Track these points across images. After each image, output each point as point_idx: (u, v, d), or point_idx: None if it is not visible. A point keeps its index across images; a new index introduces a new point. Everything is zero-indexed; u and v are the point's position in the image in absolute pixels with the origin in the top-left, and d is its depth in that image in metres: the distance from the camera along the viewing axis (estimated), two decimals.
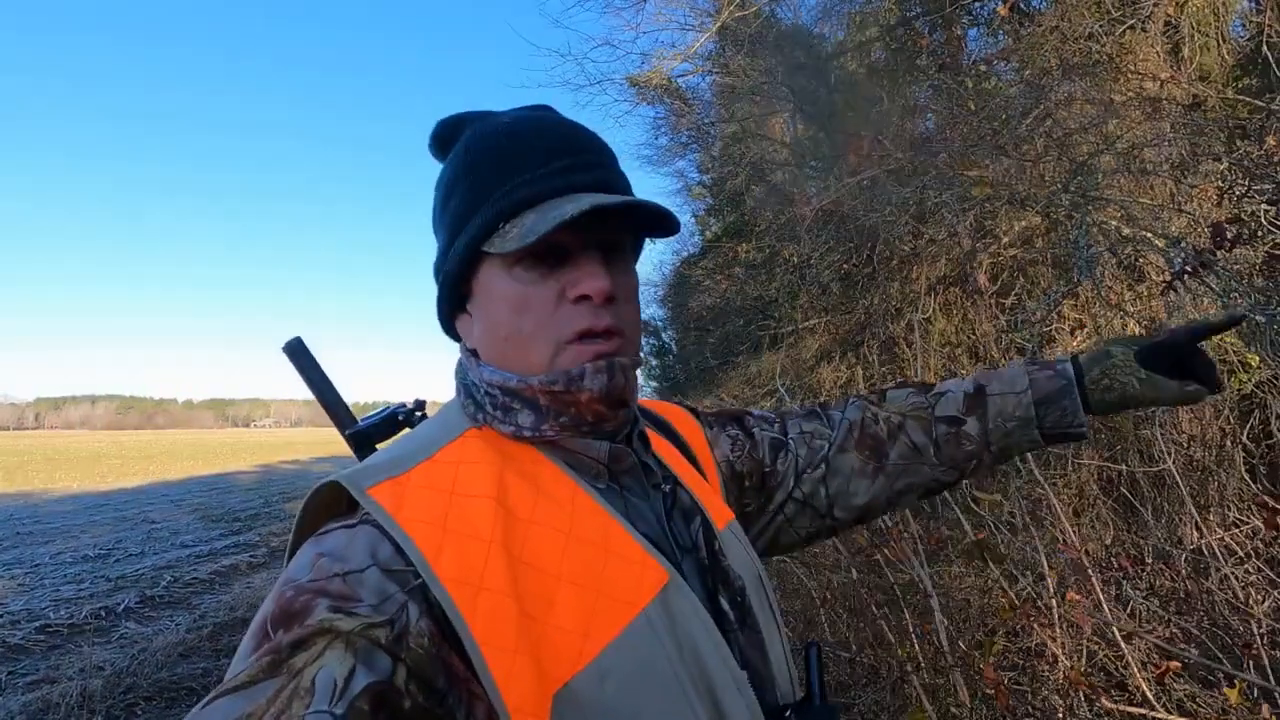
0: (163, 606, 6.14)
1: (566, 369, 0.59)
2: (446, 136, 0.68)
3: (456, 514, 0.53)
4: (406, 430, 0.75)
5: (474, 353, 0.66)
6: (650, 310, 12.68)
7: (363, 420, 0.76)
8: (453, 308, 0.67)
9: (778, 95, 6.95)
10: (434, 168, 0.71)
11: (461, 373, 0.67)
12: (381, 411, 0.77)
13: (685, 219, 13.46)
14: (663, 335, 12.72)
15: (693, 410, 0.88)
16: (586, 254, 0.60)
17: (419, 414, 0.79)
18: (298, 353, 0.76)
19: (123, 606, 6.01)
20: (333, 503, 0.56)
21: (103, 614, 5.80)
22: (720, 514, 0.73)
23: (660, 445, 0.74)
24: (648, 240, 0.75)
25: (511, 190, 0.59)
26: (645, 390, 13.31)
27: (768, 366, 5.57)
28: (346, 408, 0.77)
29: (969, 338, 4.71)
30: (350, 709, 0.42)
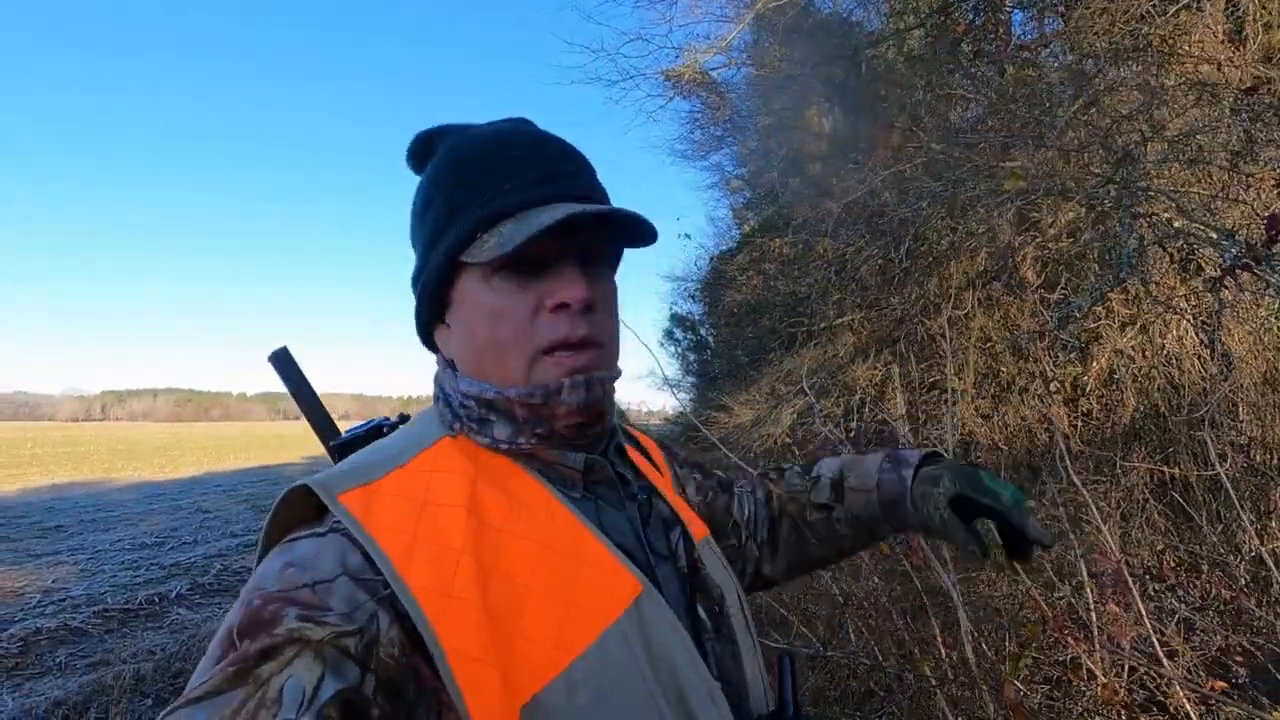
0: (212, 594, 6.38)
1: (544, 383, 0.59)
2: (422, 149, 0.68)
3: (427, 523, 0.52)
4: None
5: (451, 364, 0.66)
6: (687, 305, 12.65)
7: (346, 432, 0.76)
8: (431, 318, 0.66)
9: (813, 86, 6.82)
10: None
11: (439, 383, 0.67)
12: (366, 424, 0.77)
13: (723, 213, 13.35)
14: (700, 330, 12.67)
15: (666, 446, 0.90)
16: (564, 263, 0.60)
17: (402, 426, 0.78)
18: (283, 362, 0.76)
19: (174, 593, 6.27)
20: (304, 506, 0.55)
21: (156, 600, 6.06)
22: (698, 527, 0.74)
23: (637, 458, 0.75)
24: (636, 249, 0.75)
25: (489, 201, 0.59)
26: (684, 384, 13.31)
27: (800, 364, 5.48)
28: (330, 419, 0.77)
29: (1010, 334, 4.55)
30: (318, 717, 0.41)
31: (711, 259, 11.13)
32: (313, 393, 0.77)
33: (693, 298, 12.14)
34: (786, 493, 0.92)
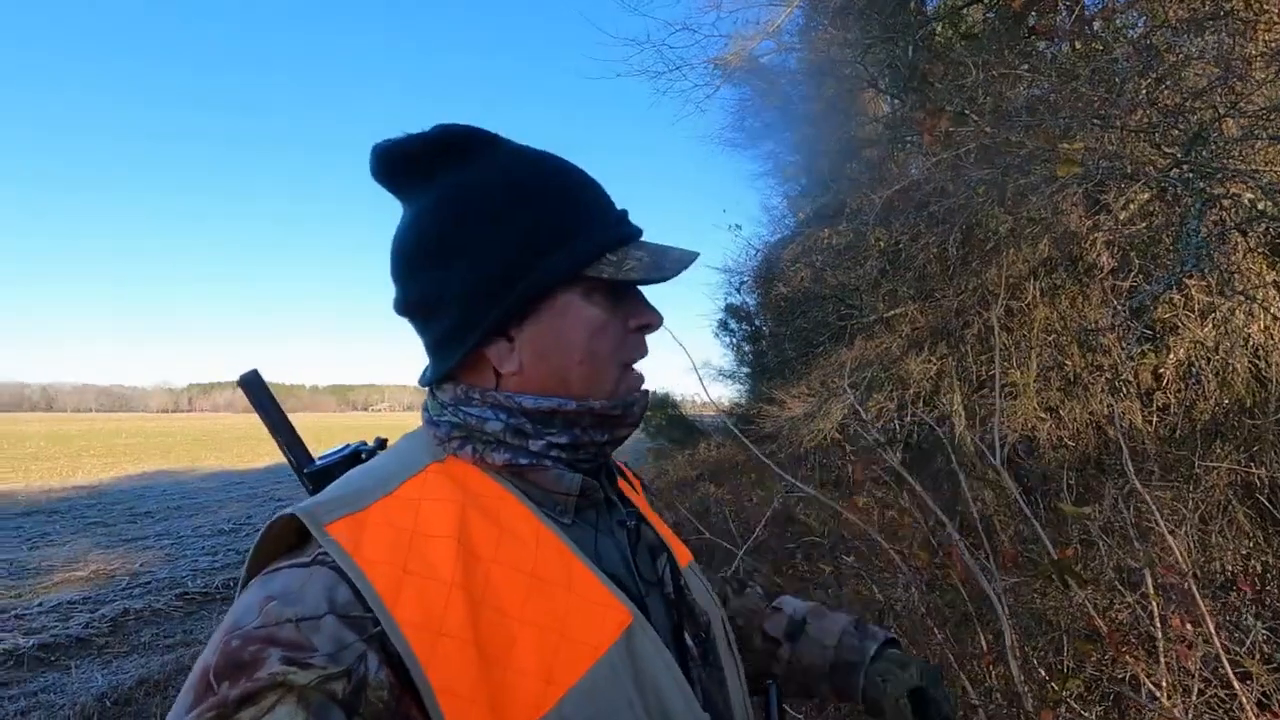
0: None
1: (624, 395, 0.65)
2: (450, 149, 0.63)
3: (417, 555, 0.51)
4: None
5: (498, 379, 0.63)
6: (740, 297, 12.47)
7: (320, 458, 0.73)
8: (489, 331, 0.61)
9: (866, 69, 6.58)
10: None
11: (450, 404, 0.63)
12: (342, 449, 0.74)
13: (776, 201, 13.09)
14: (755, 321, 12.48)
15: (641, 480, 0.89)
16: (638, 290, 0.67)
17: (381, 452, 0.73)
18: (253, 385, 0.74)
19: None
20: (287, 534, 0.53)
21: (231, 584, 6.41)
22: (682, 553, 0.74)
23: (623, 485, 0.74)
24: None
25: (614, 225, 0.64)
26: (740, 374, 13.19)
27: (849, 358, 5.32)
28: (302, 444, 0.74)
29: (1078, 325, 4.29)
30: None
31: (765, 249, 10.93)
32: (284, 417, 0.74)
33: (738, 289, 11.95)
34: (741, 606, 0.92)
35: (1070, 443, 4.49)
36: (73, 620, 5.34)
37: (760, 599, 0.93)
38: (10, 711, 3.87)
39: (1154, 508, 1.88)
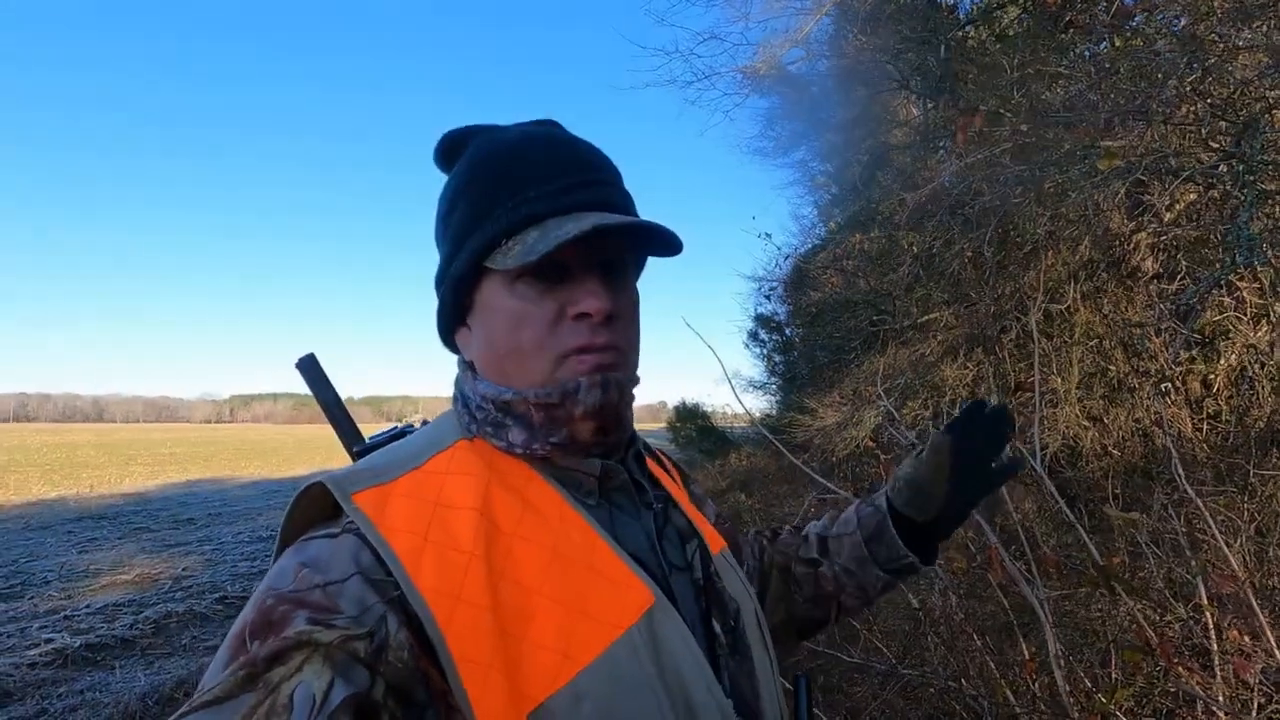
0: None
1: (562, 381, 0.59)
2: (451, 149, 0.67)
3: (439, 525, 0.52)
4: None
5: (471, 366, 0.66)
6: (770, 306, 12.39)
7: (370, 438, 0.76)
8: (453, 321, 0.66)
9: (897, 71, 6.52)
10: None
11: (459, 385, 0.67)
12: (390, 430, 0.77)
13: (807, 210, 13.01)
14: (785, 331, 12.37)
15: (683, 470, 0.88)
16: (587, 272, 0.60)
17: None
18: (309, 368, 0.78)
19: None
20: (320, 503, 0.55)
21: None
22: (714, 540, 0.72)
23: (655, 469, 0.73)
24: (660, 258, 0.75)
25: (515, 207, 0.59)
26: (770, 385, 13.06)
27: (883, 364, 5.24)
28: (354, 425, 0.78)
29: (1122, 329, 4.15)
30: None
31: (795, 257, 10.85)
32: (338, 399, 0.78)
33: (767, 297, 11.86)
34: (776, 549, 0.91)
35: (1115, 451, 4.34)
36: (118, 622, 5.49)
37: (791, 534, 0.93)
38: (59, 708, 3.99)
39: (1207, 516, 1.80)
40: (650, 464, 0.73)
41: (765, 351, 13.02)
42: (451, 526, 0.52)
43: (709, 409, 16.00)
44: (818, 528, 0.90)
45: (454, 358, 0.71)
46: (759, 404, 13.57)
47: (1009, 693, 1.44)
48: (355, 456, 0.76)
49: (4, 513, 11.03)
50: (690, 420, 15.57)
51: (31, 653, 4.74)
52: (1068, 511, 1.66)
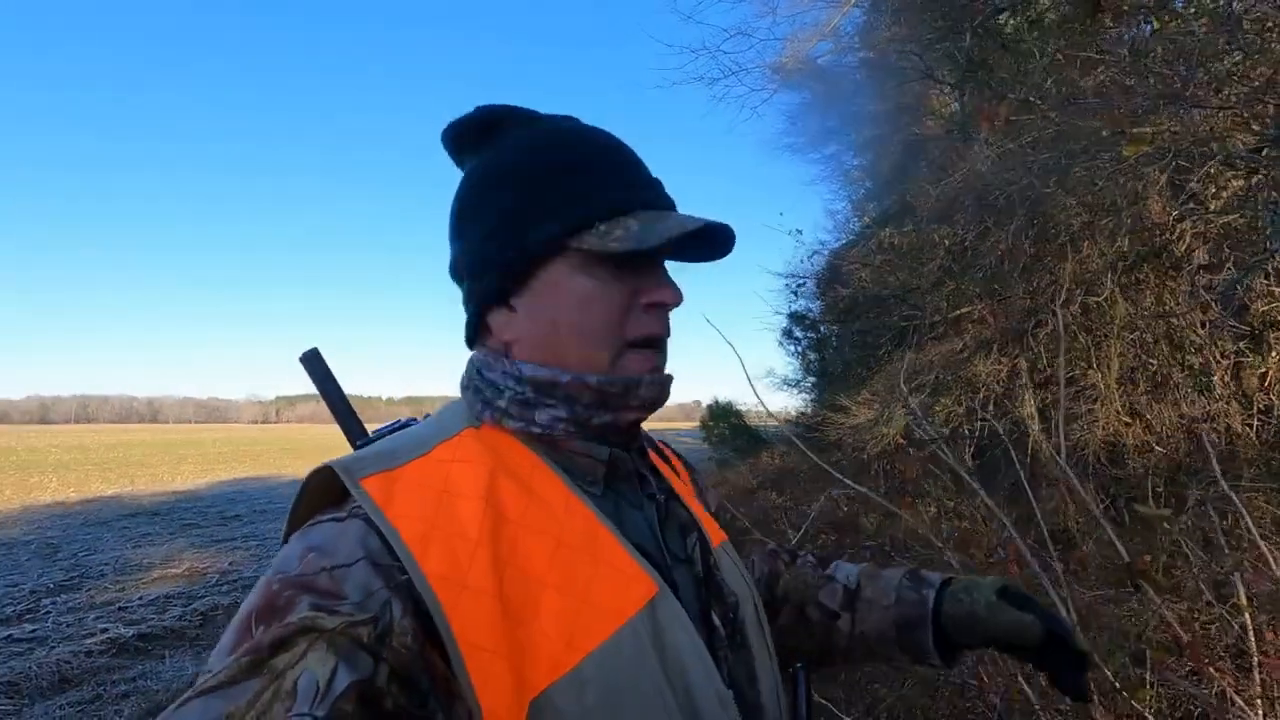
0: None
1: (627, 375, 0.62)
2: (490, 126, 0.67)
3: (445, 512, 0.52)
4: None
5: (506, 347, 0.65)
6: (802, 303, 12.25)
7: (374, 433, 0.76)
8: (493, 300, 0.64)
9: (923, 61, 6.38)
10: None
11: (475, 370, 0.66)
12: (393, 424, 0.76)
13: (841, 205, 12.83)
14: (820, 328, 12.22)
15: (689, 465, 0.88)
16: (656, 264, 0.64)
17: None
18: (313, 363, 0.77)
19: None
20: (327, 489, 0.55)
21: None
22: (715, 533, 0.72)
23: (657, 462, 0.74)
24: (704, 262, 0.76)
25: (608, 192, 0.61)
26: (806, 384, 12.92)
27: (915, 361, 5.14)
28: (358, 420, 0.77)
29: (1165, 322, 4.00)
30: (332, 710, 0.41)
31: (828, 253, 10.71)
32: (341, 393, 0.77)
33: (794, 293, 11.72)
34: (795, 580, 0.87)
35: (1159, 448, 4.19)
36: (168, 613, 5.73)
37: (812, 569, 0.88)
38: (114, 694, 4.18)
39: (1243, 511, 1.73)
40: (653, 456, 0.73)
41: (799, 349, 12.89)
42: (458, 514, 0.53)
43: (742, 407, 15.90)
44: (846, 577, 0.85)
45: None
46: (794, 402, 13.44)
47: (1028, 690, 1.41)
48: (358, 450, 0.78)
49: (66, 510, 11.59)
50: (723, 419, 15.49)
51: (89, 641, 4.99)
52: (1094, 508, 1.62)
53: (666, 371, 0.65)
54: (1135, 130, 3.02)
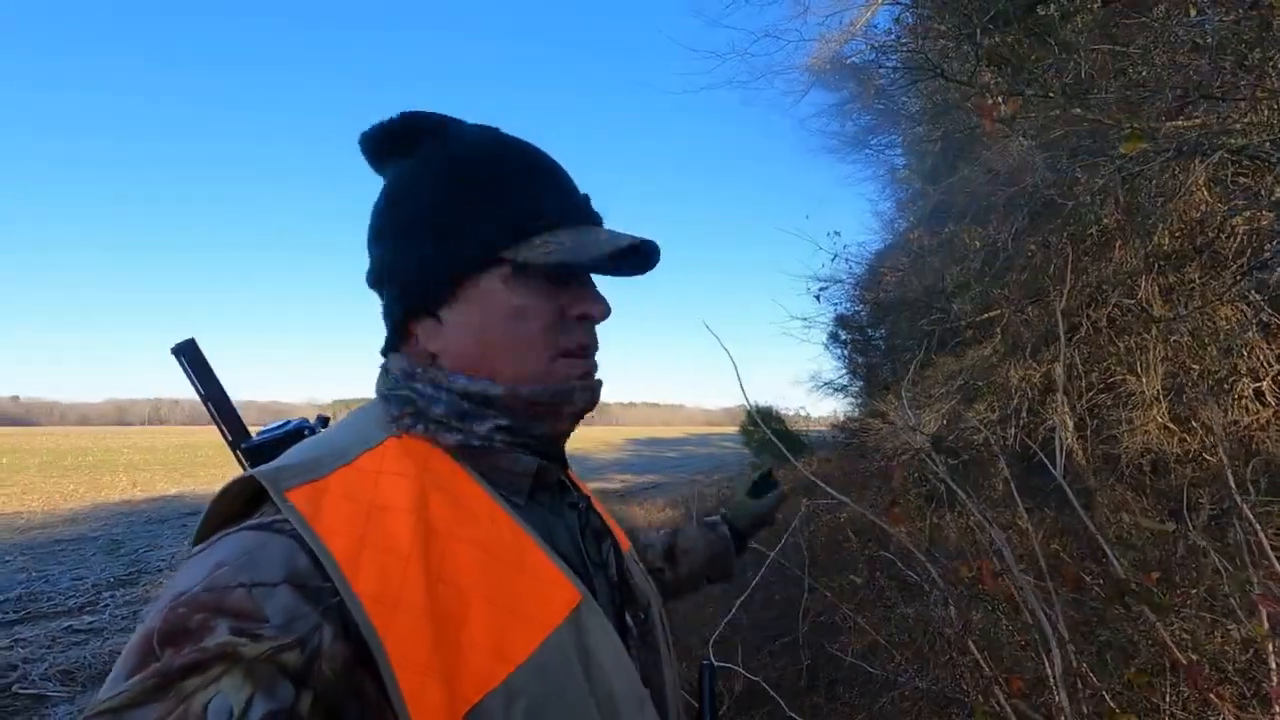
0: None
1: (557, 383, 0.62)
2: (417, 133, 0.65)
3: (375, 527, 0.50)
4: None
5: (432, 357, 0.63)
6: (844, 305, 12.03)
7: (259, 434, 0.71)
8: (418, 310, 0.63)
9: (965, 58, 6.19)
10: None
11: (398, 378, 0.63)
12: (282, 425, 0.73)
13: (885, 205, 12.58)
14: (866, 331, 11.98)
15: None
16: (585, 278, 0.66)
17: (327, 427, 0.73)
18: (187, 355, 0.71)
19: None
20: (239, 501, 0.52)
21: None
22: (624, 540, 0.76)
23: (570, 473, 0.75)
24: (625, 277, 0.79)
25: (541, 205, 0.62)
26: (852, 389, 12.69)
27: (951, 364, 5.00)
28: (238, 418, 0.71)
29: (1210, 325, 3.78)
30: None
31: (870, 257, 10.50)
32: (221, 390, 0.72)
33: (817, 297, 11.49)
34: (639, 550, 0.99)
35: (1208, 456, 3.96)
36: None
37: (643, 537, 1.07)
38: None
39: (1256, 526, 1.64)
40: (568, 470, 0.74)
41: (845, 353, 12.65)
42: (388, 529, 0.51)
43: (785, 412, 15.70)
44: (659, 539, 1.07)
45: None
46: (841, 406, 13.26)
47: (1005, 705, 1.36)
48: (242, 454, 0.73)
49: (133, 507, 12.25)
50: (764, 424, 15.27)
51: None
52: (1087, 520, 1.55)
53: (597, 377, 0.66)
54: (1169, 124, 2.88)
